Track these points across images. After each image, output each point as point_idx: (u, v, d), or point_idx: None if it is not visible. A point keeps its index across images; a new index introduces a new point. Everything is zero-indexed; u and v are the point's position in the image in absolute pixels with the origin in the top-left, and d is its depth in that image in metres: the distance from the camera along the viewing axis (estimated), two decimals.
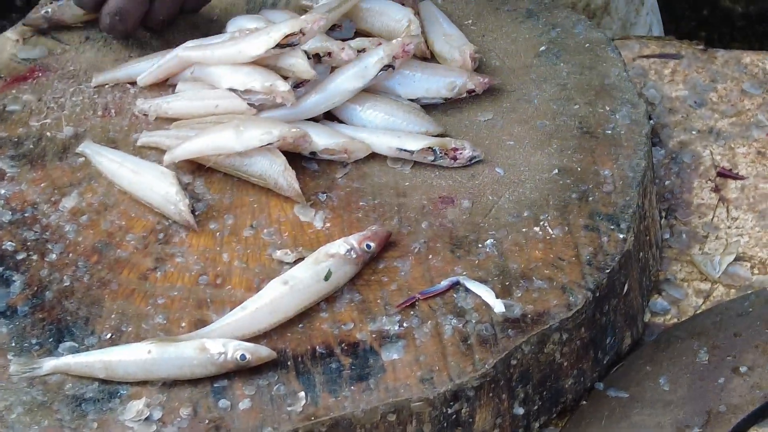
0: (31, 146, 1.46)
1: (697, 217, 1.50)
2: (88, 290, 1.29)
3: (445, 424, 1.21)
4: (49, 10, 1.59)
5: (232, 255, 1.32)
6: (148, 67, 1.53)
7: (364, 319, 1.25)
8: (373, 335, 1.23)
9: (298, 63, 1.42)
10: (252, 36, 1.43)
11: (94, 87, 1.53)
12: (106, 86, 1.53)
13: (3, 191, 1.39)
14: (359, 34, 1.57)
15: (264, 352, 1.20)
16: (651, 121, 1.50)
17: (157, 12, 1.54)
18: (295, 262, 1.30)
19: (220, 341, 1.20)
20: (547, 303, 1.26)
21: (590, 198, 1.36)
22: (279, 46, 1.41)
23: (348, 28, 1.57)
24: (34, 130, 1.48)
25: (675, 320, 1.40)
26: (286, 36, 1.41)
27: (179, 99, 1.48)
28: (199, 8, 1.58)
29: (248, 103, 1.42)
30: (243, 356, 1.19)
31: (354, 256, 1.27)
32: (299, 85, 1.43)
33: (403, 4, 1.57)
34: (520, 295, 1.26)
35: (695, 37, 3.12)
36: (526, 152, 1.42)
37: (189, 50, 1.48)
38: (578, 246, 1.31)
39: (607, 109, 1.46)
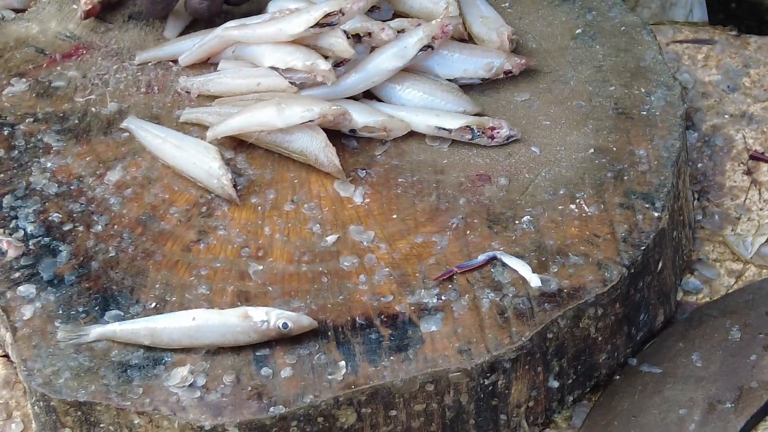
0: (77, 121, 1.48)
1: (730, 199, 1.52)
2: (132, 261, 1.32)
3: (482, 395, 1.24)
4: None
5: (274, 228, 1.35)
6: (189, 47, 1.55)
7: (403, 292, 1.27)
8: (412, 307, 1.26)
9: (337, 42, 1.44)
10: (292, 15, 1.46)
11: (138, 65, 1.56)
12: (149, 64, 1.56)
13: (49, 164, 1.42)
14: (397, 15, 1.59)
15: (305, 320, 1.23)
16: (684, 104, 1.52)
17: None
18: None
19: (263, 309, 1.23)
20: (583, 278, 1.28)
21: (625, 177, 1.38)
22: (319, 25, 1.44)
23: (387, 9, 1.59)
24: (79, 105, 1.51)
25: (707, 299, 1.42)
26: (326, 15, 1.43)
27: (221, 77, 1.50)
28: None
29: (289, 82, 1.44)
30: (285, 324, 1.22)
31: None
32: (339, 64, 1.46)
33: None
34: (556, 270, 1.29)
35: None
36: (562, 132, 1.44)
37: (230, 30, 1.51)
38: (613, 223, 1.33)
39: (643, 90, 1.48)
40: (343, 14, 1.44)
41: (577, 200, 1.35)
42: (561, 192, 1.36)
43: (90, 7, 1.60)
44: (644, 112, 1.46)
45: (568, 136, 1.43)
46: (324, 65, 1.42)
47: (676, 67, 1.68)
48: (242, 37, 1.49)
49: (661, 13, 2.03)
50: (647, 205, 1.35)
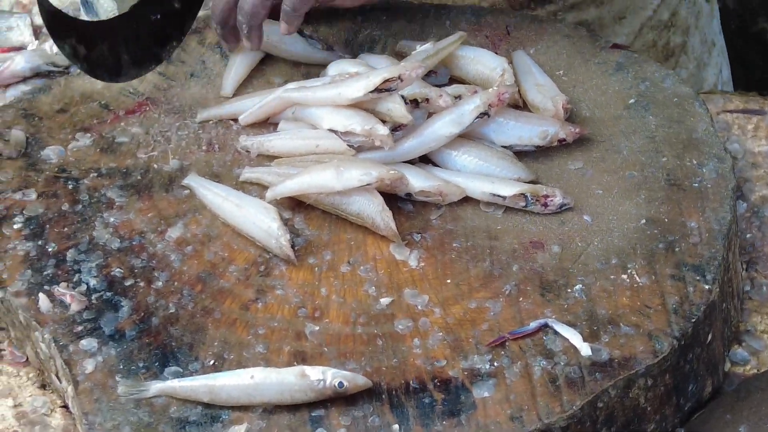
0: (139, 177, 1.52)
1: None
2: (192, 318, 1.35)
3: None
4: None
5: (330, 289, 1.38)
6: (250, 106, 1.59)
7: (456, 357, 1.30)
8: (465, 372, 1.28)
9: (395, 108, 1.47)
10: (352, 80, 1.49)
11: (199, 123, 1.60)
12: (210, 122, 1.60)
13: (112, 219, 1.46)
14: (453, 80, 1.63)
15: (361, 380, 1.25)
16: (735, 176, 1.54)
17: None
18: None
19: (319, 368, 1.26)
20: (634, 349, 1.30)
21: (677, 248, 1.40)
22: (378, 90, 1.47)
23: (443, 74, 1.63)
24: (142, 161, 1.55)
25: (755, 371, 1.44)
26: (385, 81, 1.47)
27: (281, 137, 1.54)
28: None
29: (348, 144, 1.48)
30: (341, 383, 1.24)
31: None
32: (397, 128, 1.49)
33: (496, 53, 1.63)
34: (607, 340, 1.31)
35: (766, 86, 3.15)
36: (614, 201, 1.47)
37: (290, 92, 1.54)
38: (664, 295, 1.35)
39: (695, 162, 1.51)
40: (402, 80, 1.47)
41: (629, 270, 1.38)
42: (613, 261, 1.39)
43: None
44: (696, 184, 1.48)
45: (621, 206, 1.46)
46: (382, 130, 1.46)
47: (726, 137, 1.70)
48: (302, 99, 1.53)
49: (697, 73, 2.07)
50: (698, 278, 1.37)
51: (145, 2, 1.64)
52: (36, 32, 1.93)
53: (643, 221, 1.43)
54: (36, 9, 1.99)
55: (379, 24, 1.77)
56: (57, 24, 1.58)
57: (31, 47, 1.87)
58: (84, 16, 1.95)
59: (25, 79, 1.78)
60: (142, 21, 1.64)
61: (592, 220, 1.44)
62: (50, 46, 1.85)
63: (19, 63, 1.78)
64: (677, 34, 2.04)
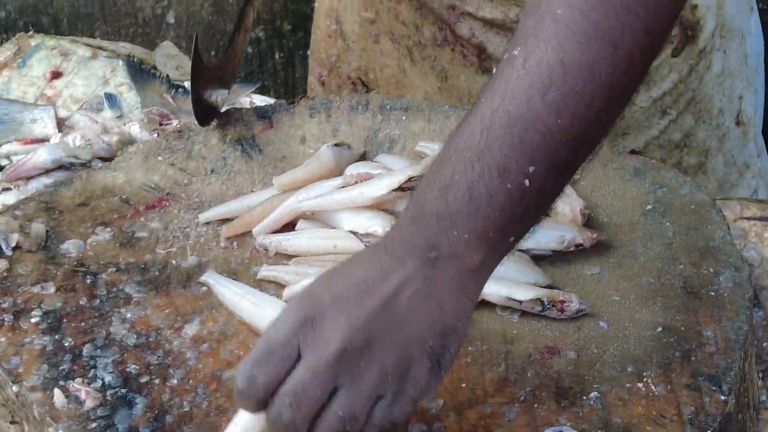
0: (157, 273, 1.53)
1: None
2: (206, 416, 1.35)
3: None
4: None
5: None
6: (250, 204, 1.61)
7: None
8: None
9: None
10: (374, 180, 1.50)
11: (203, 223, 1.61)
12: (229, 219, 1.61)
13: (129, 315, 1.47)
14: None
15: None
16: (752, 285, 1.54)
17: None
18: None
19: None
20: None
21: (693, 358, 1.40)
22: (401, 188, 1.48)
23: None
24: (160, 257, 1.56)
25: None
26: (408, 179, 1.48)
27: (299, 236, 1.55)
28: None
29: (366, 245, 1.48)
30: None
31: None
32: None
33: None
34: None
35: None
36: (630, 308, 1.47)
37: (307, 201, 1.55)
38: (680, 404, 1.34)
39: (711, 271, 1.51)
40: None
41: (645, 379, 1.37)
42: (629, 369, 1.38)
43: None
44: (712, 293, 1.48)
45: (637, 313, 1.46)
46: None
47: (743, 244, 1.71)
48: (320, 206, 1.53)
49: (719, 194, 2.07)
50: (714, 388, 1.36)
51: None
52: (59, 125, 1.95)
53: (660, 329, 1.43)
54: (60, 102, 2.02)
55: (398, 124, 1.79)
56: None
57: (54, 140, 1.89)
58: (108, 111, 1.98)
59: (47, 172, 1.80)
60: None
61: (609, 326, 1.44)
62: (72, 139, 1.87)
63: (41, 155, 1.80)
64: (692, 155, 2.05)
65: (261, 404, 1.20)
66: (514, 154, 1.18)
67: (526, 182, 1.19)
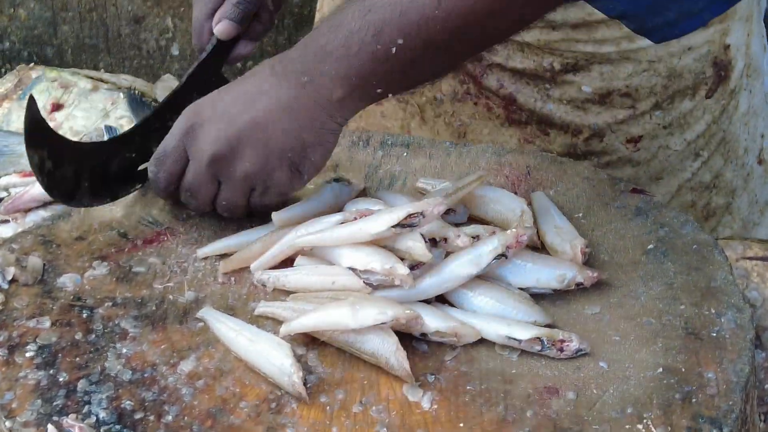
0: (154, 308, 1.52)
1: None
2: None
3: None
4: None
5: (341, 429, 1.36)
6: (249, 239, 1.60)
7: None
8: None
9: (416, 246, 1.47)
10: (374, 216, 1.49)
11: (201, 258, 1.60)
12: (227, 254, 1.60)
13: (125, 350, 1.45)
14: (472, 219, 1.63)
15: None
16: (754, 327, 1.53)
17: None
18: None
19: None
20: None
21: (694, 399, 1.38)
22: (400, 225, 1.47)
23: (462, 212, 1.63)
24: (158, 292, 1.54)
25: None
26: (409, 216, 1.47)
27: (297, 272, 1.54)
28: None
29: (365, 282, 1.47)
30: None
31: None
32: (414, 266, 1.48)
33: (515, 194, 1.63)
34: None
35: None
36: (631, 348, 1.45)
37: (306, 237, 1.54)
38: None
39: (713, 311, 1.50)
40: (424, 216, 1.47)
41: (645, 420, 1.36)
42: (629, 411, 1.37)
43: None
44: (714, 334, 1.47)
45: (637, 353, 1.44)
46: (402, 269, 1.45)
47: (745, 284, 1.70)
48: (319, 242, 1.52)
49: (743, 234, 2.06)
50: (715, 430, 1.35)
51: (126, 139, 1.67)
52: None
53: (660, 370, 1.42)
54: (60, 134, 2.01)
55: (399, 160, 1.79)
56: (36, 132, 1.60)
57: None
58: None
59: (44, 205, 1.79)
60: (116, 156, 1.67)
61: (609, 366, 1.43)
62: None
63: (39, 188, 1.78)
64: (720, 195, 2.04)
65: (166, 194, 1.63)
66: (390, 23, 1.42)
67: (393, 50, 1.42)
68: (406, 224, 1.47)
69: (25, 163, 1.93)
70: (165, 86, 2.16)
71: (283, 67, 1.53)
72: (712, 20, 1.90)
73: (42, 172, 1.60)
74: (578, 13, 1.87)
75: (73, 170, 1.62)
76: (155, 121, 1.69)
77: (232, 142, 1.54)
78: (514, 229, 1.51)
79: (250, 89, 1.54)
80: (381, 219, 1.48)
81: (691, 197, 2.03)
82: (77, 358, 1.44)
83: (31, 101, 1.56)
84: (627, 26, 1.85)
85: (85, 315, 1.50)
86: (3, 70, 3.74)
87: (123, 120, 2.05)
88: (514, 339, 1.44)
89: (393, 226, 1.47)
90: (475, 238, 1.53)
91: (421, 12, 1.41)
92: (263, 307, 1.51)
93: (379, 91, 1.49)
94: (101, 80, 2.15)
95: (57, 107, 2.09)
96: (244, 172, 1.55)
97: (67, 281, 1.55)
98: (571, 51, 1.89)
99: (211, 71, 1.72)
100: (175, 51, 4.03)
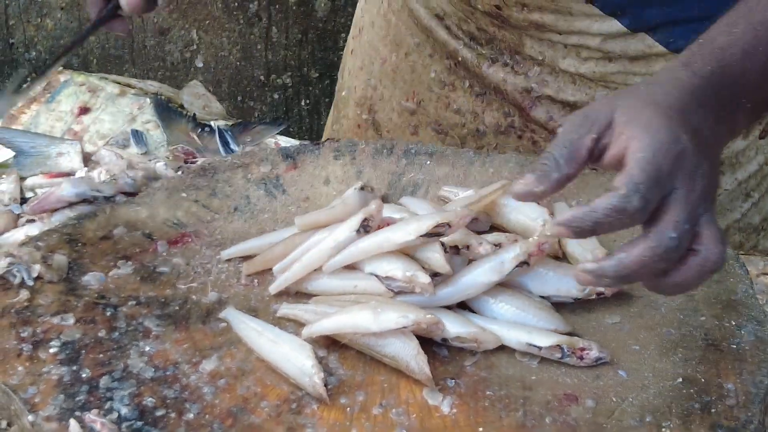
0: (177, 308, 1.53)
1: None
2: None
3: None
4: None
5: (361, 431, 1.37)
6: (272, 241, 1.60)
7: None
8: None
9: (435, 258, 1.48)
10: (400, 224, 1.50)
11: (225, 260, 1.61)
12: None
13: (148, 348, 1.46)
14: (494, 228, 1.64)
15: None
16: None
17: None
18: None
19: None
20: None
21: (713, 410, 1.38)
22: (427, 234, 1.48)
23: (484, 221, 1.64)
24: (181, 292, 1.56)
25: None
26: (437, 225, 1.47)
27: (319, 276, 1.55)
28: None
29: (387, 287, 1.48)
30: None
31: None
32: (436, 274, 1.49)
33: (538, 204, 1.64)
34: None
35: None
36: (650, 358, 1.46)
37: (335, 258, 1.52)
38: None
39: (733, 323, 1.50)
40: (450, 227, 1.48)
41: (663, 429, 1.36)
42: (647, 419, 1.37)
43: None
44: (734, 346, 1.47)
45: (657, 363, 1.45)
46: (423, 278, 1.46)
47: (765, 300, 1.70)
48: (349, 260, 1.51)
49: None
50: None
51: None
52: (85, 159, 1.96)
53: (680, 380, 1.42)
54: (87, 137, 2.03)
55: (422, 168, 1.80)
56: None
57: (79, 174, 1.91)
58: (134, 147, 1.99)
59: (71, 205, 1.80)
60: None
61: (628, 375, 1.44)
62: (98, 174, 1.88)
63: (65, 188, 1.81)
64: None
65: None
66: None
67: None
68: (434, 233, 1.48)
69: (52, 164, 1.95)
70: (192, 92, 2.18)
71: (706, 96, 1.34)
72: None
73: None
74: (638, 44, 1.85)
75: None
76: None
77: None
78: (535, 237, 1.52)
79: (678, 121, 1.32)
80: (409, 227, 1.49)
81: (739, 238, 2.02)
82: (100, 355, 1.45)
83: None
84: None
85: (108, 313, 1.51)
86: (29, 78, 3.77)
87: (149, 124, 2.07)
88: (535, 346, 1.45)
89: (421, 236, 1.48)
90: (497, 246, 1.53)
91: None
92: (285, 309, 1.52)
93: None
94: (128, 85, 2.17)
95: (84, 110, 2.10)
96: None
97: (92, 279, 1.57)
98: (626, 84, 1.87)
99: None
100: (199, 63, 4.06)
